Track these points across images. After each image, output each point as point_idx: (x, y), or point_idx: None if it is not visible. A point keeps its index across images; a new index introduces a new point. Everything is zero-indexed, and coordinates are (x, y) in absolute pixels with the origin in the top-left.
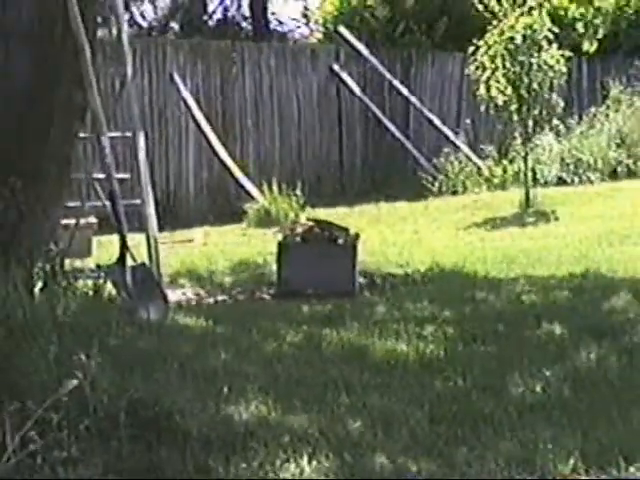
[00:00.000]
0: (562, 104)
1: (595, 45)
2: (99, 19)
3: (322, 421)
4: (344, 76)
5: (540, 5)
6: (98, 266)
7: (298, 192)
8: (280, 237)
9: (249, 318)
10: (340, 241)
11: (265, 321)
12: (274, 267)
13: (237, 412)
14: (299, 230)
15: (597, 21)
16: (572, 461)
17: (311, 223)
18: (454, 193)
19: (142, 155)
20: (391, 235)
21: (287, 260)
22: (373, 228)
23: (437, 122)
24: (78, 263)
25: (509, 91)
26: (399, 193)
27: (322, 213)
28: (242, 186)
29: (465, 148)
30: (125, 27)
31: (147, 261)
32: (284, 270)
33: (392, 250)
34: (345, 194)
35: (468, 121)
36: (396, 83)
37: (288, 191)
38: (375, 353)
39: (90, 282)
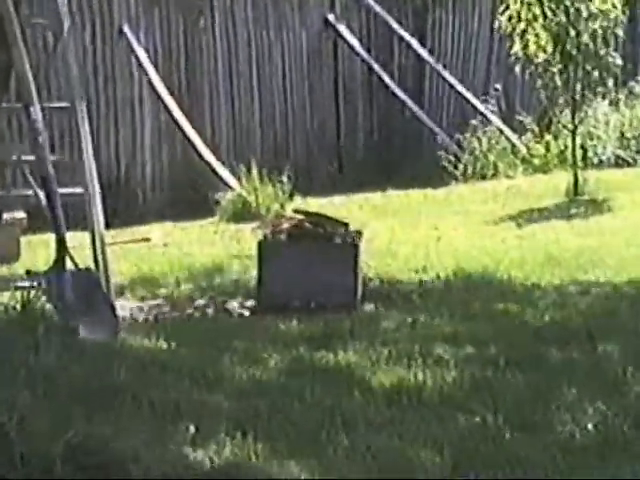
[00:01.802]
0: (620, 62)
1: None
2: None
3: (315, 469)
4: (342, 30)
5: None
6: (28, 273)
7: (284, 178)
8: (261, 235)
9: (222, 338)
10: (337, 239)
11: (242, 342)
12: (253, 273)
13: (207, 457)
14: (285, 226)
15: None
16: None
17: (300, 217)
18: (482, 178)
19: (84, 131)
20: (402, 232)
21: (270, 264)
22: (380, 223)
23: (460, 87)
24: (3, 270)
25: (551, 47)
26: (412, 178)
27: (314, 204)
28: (213, 170)
29: (496, 120)
30: None
31: (92, 266)
32: (266, 277)
33: (404, 251)
34: (344, 180)
35: (499, 86)
36: (408, 38)
37: (271, 176)
38: (382, 382)
39: (18, 294)
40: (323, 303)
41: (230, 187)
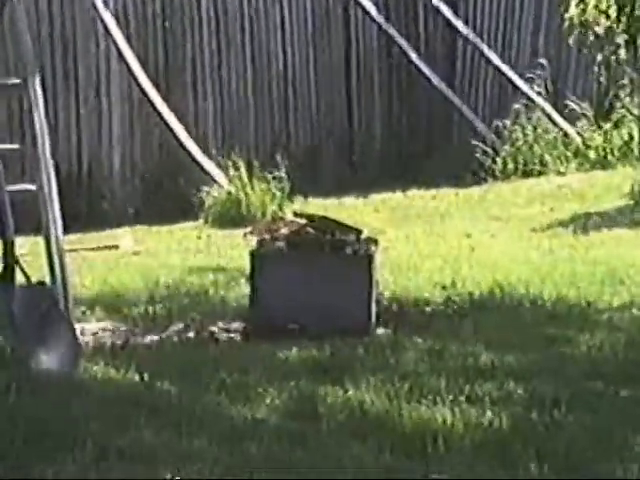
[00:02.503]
0: None
1: None
2: None
3: None
4: None
5: None
6: None
7: (282, 173)
8: (254, 242)
9: (206, 369)
10: (348, 249)
11: (231, 374)
12: (245, 289)
13: None
14: (283, 231)
15: None
16: None
17: (302, 221)
18: (527, 174)
19: (38, 113)
20: (427, 240)
21: (265, 278)
22: (400, 229)
23: (500, 63)
24: None
25: (615, 11)
26: (440, 175)
27: (319, 205)
28: (196, 163)
29: (544, 104)
30: None
31: (47, 279)
32: (260, 294)
33: (429, 264)
34: (356, 176)
35: (548, 62)
36: (436, 1)
37: (267, 172)
38: (401, 425)
39: None
40: (329, 327)
41: (217, 184)
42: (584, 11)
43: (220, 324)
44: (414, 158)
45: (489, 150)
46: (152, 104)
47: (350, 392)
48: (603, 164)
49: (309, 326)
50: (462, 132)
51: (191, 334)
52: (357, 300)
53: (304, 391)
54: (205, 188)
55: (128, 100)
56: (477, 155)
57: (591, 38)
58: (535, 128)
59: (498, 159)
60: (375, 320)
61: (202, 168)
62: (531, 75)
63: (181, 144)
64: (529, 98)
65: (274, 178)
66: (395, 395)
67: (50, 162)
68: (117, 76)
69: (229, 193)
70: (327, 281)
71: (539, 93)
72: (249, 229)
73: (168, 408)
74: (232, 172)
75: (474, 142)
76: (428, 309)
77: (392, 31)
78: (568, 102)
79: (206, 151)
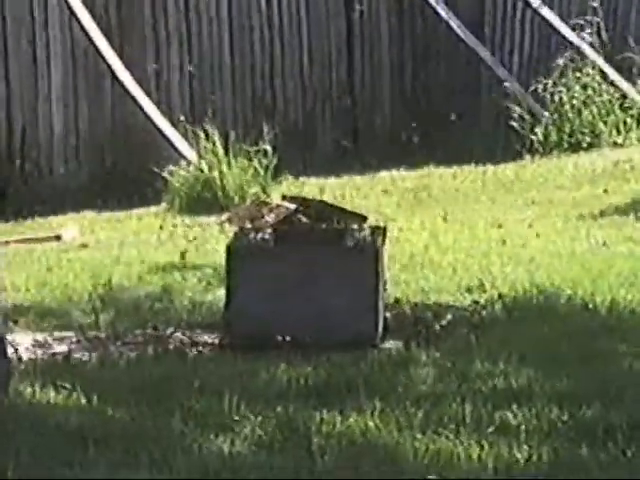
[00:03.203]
0: None
1: None
2: None
3: None
4: None
5: None
6: None
7: (267, 147)
8: (232, 233)
9: (171, 391)
10: (349, 241)
11: (201, 397)
12: (220, 292)
13: None
14: (269, 219)
15: None
16: None
17: (292, 206)
18: (574, 147)
19: None
20: (448, 230)
21: (245, 278)
22: (414, 216)
23: (541, 7)
24: None
25: None
26: (464, 148)
27: (314, 186)
28: (160, 134)
29: (597, 58)
30: None
31: None
32: (239, 298)
33: (451, 259)
34: (360, 151)
35: (600, 5)
36: None
37: (248, 145)
38: (416, 460)
39: None
40: (326, 338)
41: (185, 159)
42: None
43: (188, 335)
44: (431, 128)
45: (526, 117)
46: (103, 59)
47: (351, 420)
48: None
49: (300, 338)
50: (492, 94)
51: (152, 347)
52: (361, 305)
53: (294, 419)
54: (170, 165)
55: (71, 55)
56: (511, 123)
57: None
58: (585, 88)
59: (538, 128)
60: (383, 330)
61: (167, 140)
62: (580, 21)
63: (141, 109)
64: (578, 50)
65: (257, 152)
66: (407, 424)
67: None
68: (56, 23)
69: (200, 171)
70: (322, 281)
71: (590, 44)
72: (225, 216)
73: (122, 440)
74: (204, 145)
75: (508, 106)
76: (449, 316)
77: None
78: (627, 55)
79: (171, 119)
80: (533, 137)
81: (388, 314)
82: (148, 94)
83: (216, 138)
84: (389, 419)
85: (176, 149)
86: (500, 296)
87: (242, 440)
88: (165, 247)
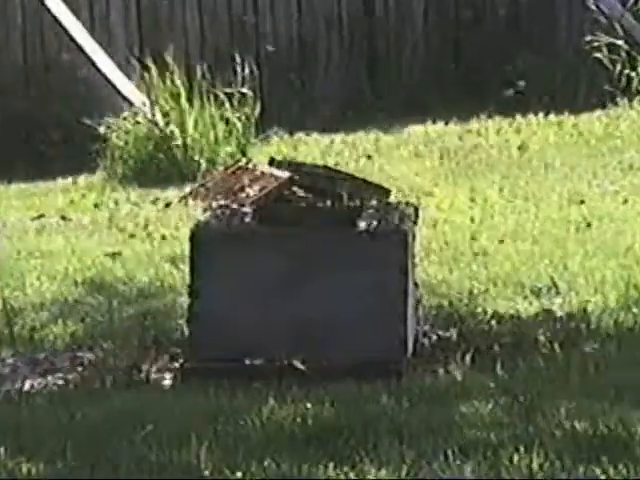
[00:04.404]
0: None
1: None
2: None
3: None
4: None
5: None
6: None
7: (246, 89)
8: (198, 213)
9: (111, 438)
10: (364, 223)
11: (154, 448)
12: (182, 297)
13: None
14: (250, 192)
15: None
16: None
17: (282, 173)
18: None
19: None
20: (507, 208)
21: (215, 276)
22: (458, 188)
23: None
24: None
25: None
26: (531, 91)
27: (314, 146)
28: (94, 68)
29: None
30: None
31: None
32: (206, 304)
33: (510, 249)
34: (378, 95)
35: None
36: None
37: (219, 86)
38: None
39: None
40: (331, 361)
41: (131, 106)
42: None
43: (137, 358)
44: (483, 62)
45: (622, 45)
46: None
47: (371, 475)
48: None
49: (294, 360)
50: (572, 15)
51: (83, 377)
52: (381, 315)
53: (288, 474)
54: (109, 116)
55: None
56: (598, 56)
57: None
58: None
59: (638, 63)
60: (413, 349)
61: (103, 77)
62: None
63: (65, 32)
64: None
65: (233, 97)
66: None
67: None
68: None
69: (153, 124)
70: (327, 281)
71: None
72: (188, 189)
73: None
74: (159, 86)
75: (594, 34)
76: (507, 329)
77: None
78: None
79: (110, 48)
80: (632, 75)
81: (421, 327)
82: (76, 11)
83: (176, 76)
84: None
85: (118, 92)
86: (584, 304)
87: None
88: (103, 233)
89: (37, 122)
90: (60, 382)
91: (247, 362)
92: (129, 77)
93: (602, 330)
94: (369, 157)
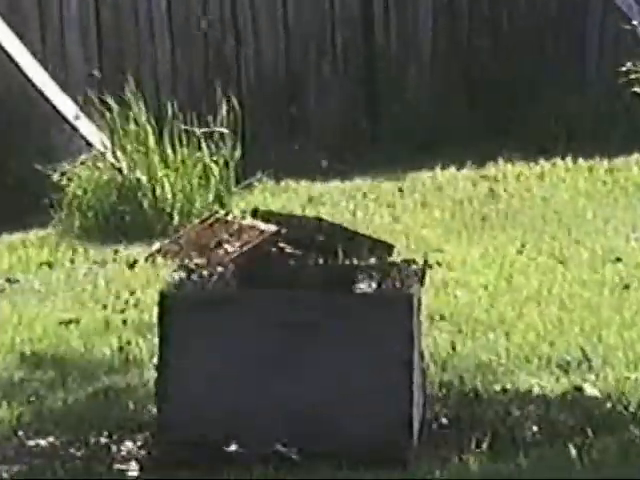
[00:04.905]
0: None
1: None
2: None
3: None
4: None
5: None
6: None
7: (223, 128)
8: (169, 272)
9: None
10: (364, 284)
11: None
12: (149, 373)
13: None
14: (230, 249)
15: None
16: None
17: (268, 227)
18: None
19: None
20: (528, 267)
21: (188, 346)
22: (471, 244)
23: None
24: None
25: None
26: (557, 129)
27: (304, 194)
28: (49, 105)
29: None
30: None
31: None
32: (177, 378)
33: (532, 315)
34: (379, 134)
35: None
36: None
37: (194, 125)
38: None
39: None
40: (325, 447)
41: (92, 150)
42: None
43: (96, 446)
44: (499, 93)
45: None
46: None
47: None
48: None
49: (284, 447)
50: (606, 30)
51: (35, 468)
52: (383, 394)
53: None
54: (66, 161)
55: None
56: (637, 90)
57: None
58: None
59: None
60: (419, 434)
61: (60, 115)
62: None
63: (16, 65)
64: None
65: (210, 137)
66: None
67: None
68: None
69: (116, 170)
70: (320, 355)
71: None
72: (157, 246)
73: None
74: (121, 126)
75: (633, 63)
76: (531, 410)
77: None
78: None
79: (65, 82)
80: None
81: (429, 408)
82: (28, 45)
83: (142, 114)
84: None
85: (77, 132)
86: (619, 379)
87: None
88: (56, 298)
89: None
90: (4, 475)
91: (226, 449)
92: (90, 116)
93: None
94: (367, 207)
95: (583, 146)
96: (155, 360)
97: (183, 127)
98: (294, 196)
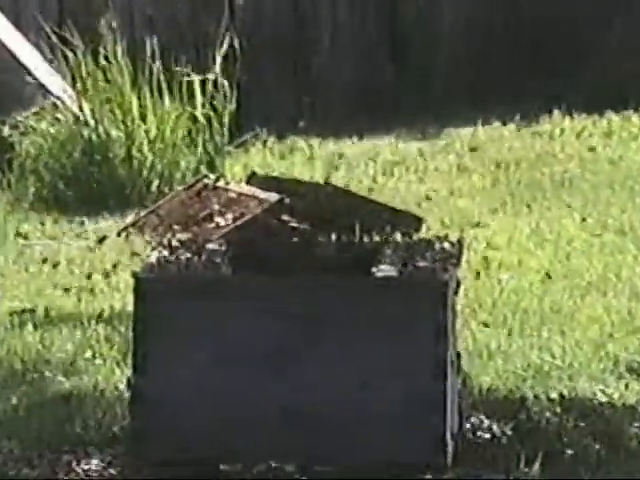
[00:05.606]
0: None
1: None
2: None
3: None
4: None
5: None
6: None
7: (216, 72)
8: (145, 252)
9: None
10: (386, 267)
11: None
12: (120, 374)
13: None
14: (220, 221)
15: None
16: None
17: (268, 196)
18: None
19: None
20: (591, 244)
21: (168, 341)
22: (518, 216)
23: None
24: None
25: None
26: (611, 83)
27: (314, 155)
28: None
29: None
30: None
31: None
32: (155, 379)
33: (596, 307)
34: (405, 84)
35: None
36: None
37: (179, 69)
38: None
39: None
40: (339, 466)
41: (51, 98)
42: None
43: (56, 463)
44: (544, 42)
45: None
46: None
47: None
48: None
49: (289, 465)
50: None
51: None
52: (411, 402)
53: None
54: (20, 112)
55: None
56: None
57: None
58: None
59: None
60: (454, 450)
61: (7, 51)
62: None
63: None
64: None
65: (198, 85)
66: None
67: None
68: None
69: (81, 123)
70: (333, 354)
71: None
72: (132, 218)
73: None
74: (86, 67)
75: None
76: (593, 422)
77: None
78: None
79: (17, 15)
80: None
81: (466, 419)
82: None
83: (117, 53)
84: None
85: (29, 73)
86: None
87: None
88: (6, 283)
89: None
90: None
91: (214, 467)
92: (44, 56)
93: None
94: (391, 172)
95: None
96: (129, 358)
97: (165, 72)
98: (300, 157)
